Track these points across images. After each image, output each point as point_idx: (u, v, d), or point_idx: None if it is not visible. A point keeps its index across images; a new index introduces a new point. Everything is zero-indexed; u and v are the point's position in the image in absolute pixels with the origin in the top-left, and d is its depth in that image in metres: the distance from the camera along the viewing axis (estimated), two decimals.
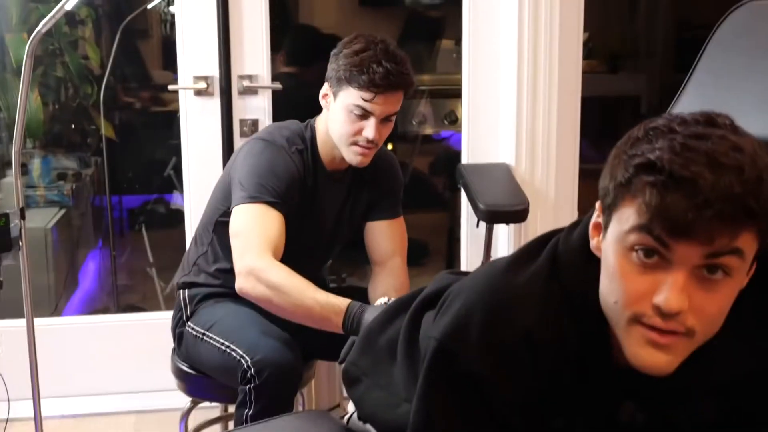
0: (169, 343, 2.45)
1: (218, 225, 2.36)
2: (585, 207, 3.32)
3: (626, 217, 1.10)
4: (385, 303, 2.16)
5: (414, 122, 4.47)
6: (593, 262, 1.19)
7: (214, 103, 3.08)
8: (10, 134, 2.37)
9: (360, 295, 2.45)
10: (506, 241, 3.21)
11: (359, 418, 1.63)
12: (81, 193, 3.97)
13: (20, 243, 2.38)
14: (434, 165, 4.73)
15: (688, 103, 1.75)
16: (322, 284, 2.57)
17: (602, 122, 5.64)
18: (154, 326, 3.19)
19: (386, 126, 2.27)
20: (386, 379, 1.50)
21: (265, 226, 2.19)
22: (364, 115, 2.22)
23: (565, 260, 1.21)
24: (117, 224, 4.39)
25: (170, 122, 3.76)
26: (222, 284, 2.37)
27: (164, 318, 2.56)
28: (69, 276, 3.89)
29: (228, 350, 2.18)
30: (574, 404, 1.22)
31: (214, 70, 3.06)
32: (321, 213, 2.38)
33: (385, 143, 2.37)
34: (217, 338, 2.24)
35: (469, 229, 3.23)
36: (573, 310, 1.20)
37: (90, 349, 3.28)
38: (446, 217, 4.44)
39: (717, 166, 1.04)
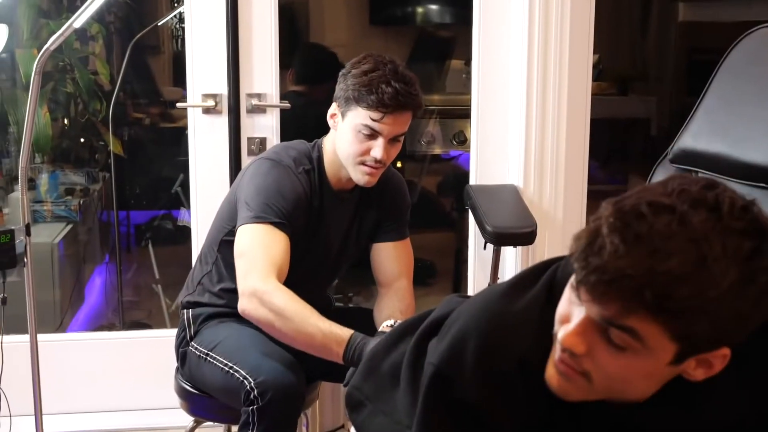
0: (174, 361, 2.44)
1: (223, 244, 2.35)
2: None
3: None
4: (389, 326, 2.15)
5: (422, 142, 4.47)
6: None
7: (223, 121, 3.08)
8: (19, 149, 2.37)
9: (365, 315, 2.44)
10: (514, 263, 3.20)
11: None
12: (88, 209, 3.97)
13: (25, 259, 2.37)
14: (442, 185, 4.73)
15: (698, 128, 1.75)
16: (328, 304, 2.57)
17: (611, 144, 5.64)
18: (159, 344, 3.17)
19: (394, 146, 2.27)
20: (389, 405, 1.49)
21: (270, 247, 2.18)
22: (373, 135, 2.21)
23: (562, 288, 1.20)
24: (124, 240, 4.39)
25: (178, 139, 3.77)
26: (226, 304, 2.36)
27: (169, 335, 2.55)
28: (75, 291, 3.89)
29: (231, 371, 2.17)
30: None
31: (222, 88, 3.06)
32: (327, 233, 2.37)
33: (393, 163, 2.36)
34: (220, 359, 2.23)
35: (477, 250, 3.22)
36: None
37: (94, 366, 3.26)
38: (454, 237, 4.43)
39: (637, 242, 1.03)
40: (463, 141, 4.30)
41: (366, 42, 4.82)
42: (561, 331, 1.13)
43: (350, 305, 3.85)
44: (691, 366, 1.12)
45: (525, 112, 3.10)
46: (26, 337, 2.45)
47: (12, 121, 3.53)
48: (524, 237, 2.89)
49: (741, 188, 1.61)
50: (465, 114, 3.35)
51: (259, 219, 2.19)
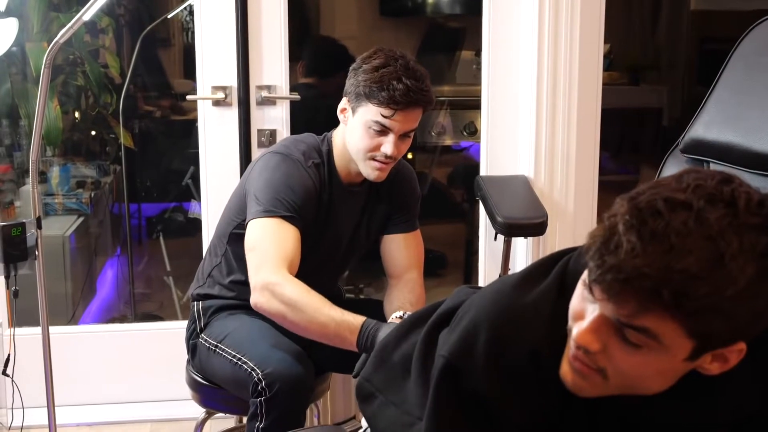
0: (185, 353, 2.45)
1: (232, 237, 2.35)
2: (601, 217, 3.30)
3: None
4: (399, 317, 2.15)
5: (433, 133, 4.47)
6: None
7: (233, 113, 3.08)
8: (30, 142, 2.37)
9: (376, 306, 2.44)
10: (524, 254, 3.19)
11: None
12: (99, 201, 3.98)
13: (36, 252, 2.38)
14: (453, 176, 4.72)
15: (709, 118, 1.73)
16: (338, 296, 2.57)
17: (623, 134, 5.62)
18: (171, 335, 3.18)
19: (404, 142, 2.26)
20: (400, 397, 1.48)
21: (280, 241, 2.18)
22: (383, 131, 2.21)
23: (574, 280, 1.19)
24: (135, 232, 4.40)
25: (189, 131, 3.77)
26: (236, 296, 2.36)
27: (180, 327, 2.56)
28: (87, 284, 3.90)
29: (239, 363, 2.18)
30: (582, 428, 1.21)
31: (232, 80, 3.06)
32: (337, 226, 2.37)
33: (404, 155, 2.35)
34: (229, 351, 2.24)
35: (488, 241, 3.22)
36: None
37: (106, 358, 3.28)
38: (464, 228, 4.42)
39: (653, 240, 1.02)
40: (474, 132, 4.29)
41: (376, 33, 4.80)
42: (575, 329, 1.13)
43: (361, 296, 3.86)
44: (706, 361, 1.11)
45: (535, 102, 3.09)
46: (38, 330, 2.46)
47: (23, 114, 3.54)
48: (535, 228, 2.89)
49: (753, 178, 1.61)
50: (475, 105, 3.34)
51: (269, 213, 2.19)
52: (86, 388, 3.25)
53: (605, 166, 5.05)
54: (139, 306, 4.03)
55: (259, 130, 3.10)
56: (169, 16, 3.97)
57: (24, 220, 2.38)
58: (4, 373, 2.49)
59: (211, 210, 3.11)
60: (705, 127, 1.73)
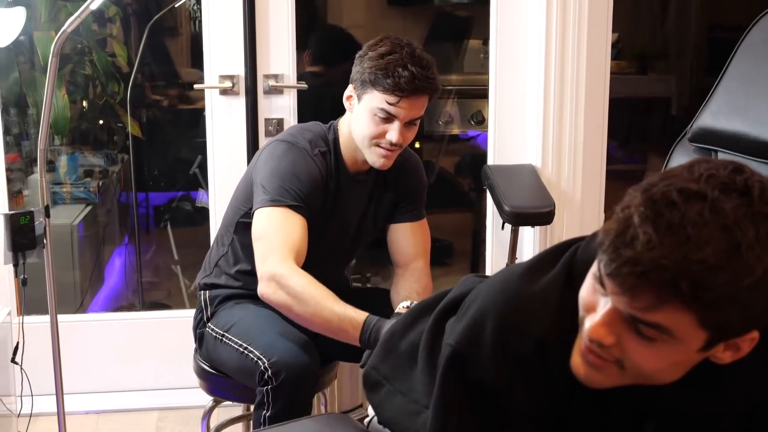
0: (193, 341, 2.46)
1: (239, 226, 2.35)
2: (612, 208, 3.29)
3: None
4: (406, 308, 2.15)
5: (440, 122, 4.46)
6: None
7: (240, 102, 3.08)
8: (38, 131, 2.38)
9: (383, 295, 2.45)
10: (532, 243, 3.19)
11: (379, 422, 1.62)
12: (107, 190, 3.99)
13: (45, 241, 2.39)
14: (460, 165, 4.71)
15: (717, 107, 1.73)
16: (345, 285, 2.57)
17: (631, 124, 5.60)
18: (178, 324, 3.19)
19: (410, 129, 2.26)
20: (407, 385, 1.48)
21: (287, 231, 2.18)
22: (388, 118, 2.21)
23: (582, 270, 1.19)
24: (143, 221, 4.40)
25: (196, 120, 3.77)
26: (242, 286, 2.37)
27: (188, 316, 2.56)
28: (95, 273, 3.91)
29: (246, 352, 2.18)
30: (591, 418, 1.20)
31: (239, 69, 3.06)
32: (344, 215, 2.37)
33: (411, 143, 2.35)
34: (236, 340, 2.24)
35: (495, 230, 3.21)
36: None
37: (114, 346, 3.29)
38: (472, 217, 4.42)
39: (670, 232, 1.01)
40: (481, 121, 4.28)
41: (383, 22, 4.79)
42: (587, 322, 1.12)
43: (368, 285, 3.86)
44: (719, 350, 1.11)
45: (543, 91, 3.09)
46: (47, 318, 2.47)
47: (31, 103, 3.54)
48: (542, 217, 2.89)
49: (761, 167, 1.61)
50: (483, 94, 3.33)
51: (275, 202, 2.19)
52: (94, 376, 3.26)
53: (613, 156, 5.03)
54: (146, 294, 4.04)
55: (266, 119, 3.10)
56: (176, 5, 3.96)
57: (32, 209, 2.38)
58: (13, 360, 2.50)
59: (218, 199, 3.12)
60: (713, 116, 1.73)
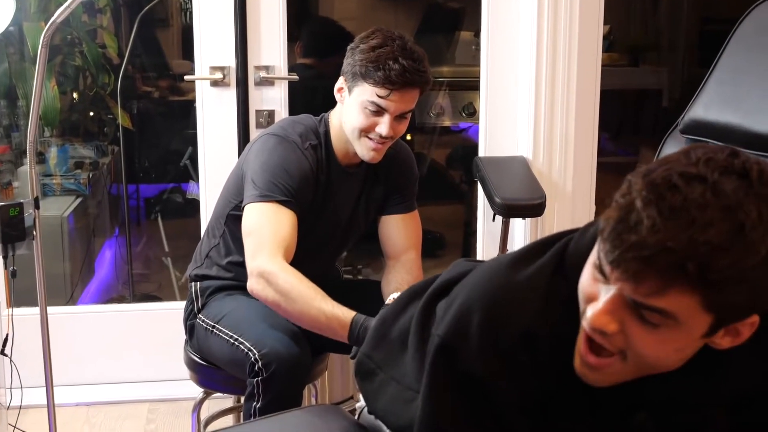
0: (183, 333, 2.45)
1: (230, 218, 2.35)
2: (603, 200, 3.31)
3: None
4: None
5: (432, 114, 4.45)
6: None
7: (231, 94, 3.07)
8: (27, 123, 2.37)
9: (374, 287, 2.45)
10: (523, 234, 3.19)
11: (370, 412, 1.62)
12: (98, 182, 3.97)
13: (34, 233, 2.38)
14: (452, 157, 4.71)
15: (709, 99, 1.73)
16: (336, 277, 2.57)
17: (622, 116, 5.61)
18: (169, 316, 3.18)
19: (401, 123, 2.25)
20: (400, 371, 1.48)
21: (276, 226, 2.18)
22: (379, 111, 2.20)
23: (574, 262, 1.18)
24: (134, 213, 4.39)
25: (187, 112, 3.76)
26: (233, 277, 2.37)
27: (178, 308, 2.56)
28: (85, 264, 3.90)
29: (236, 343, 2.18)
30: (581, 407, 1.20)
31: (230, 61, 3.05)
32: (335, 208, 2.36)
33: (403, 135, 2.35)
34: (226, 331, 2.24)
35: (486, 222, 3.21)
36: (578, 308, 1.17)
37: (104, 338, 3.28)
38: (463, 209, 4.42)
39: (674, 215, 1.01)
40: (473, 113, 4.27)
41: (375, 14, 4.79)
42: (589, 310, 1.11)
43: (359, 277, 3.86)
44: (719, 335, 1.11)
45: (534, 83, 3.08)
46: (36, 310, 2.46)
47: (20, 94, 3.52)
48: (533, 208, 2.89)
49: None
50: (474, 86, 3.33)
51: (265, 198, 2.19)
52: (85, 368, 3.26)
53: (604, 148, 5.04)
54: (137, 286, 4.03)
55: (257, 111, 3.09)
56: None
57: (22, 201, 2.37)
58: (2, 353, 2.49)
59: (209, 191, 3.11)
60: (705, 107, 1.73)
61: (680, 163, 1.05)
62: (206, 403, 2.53)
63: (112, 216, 4.24)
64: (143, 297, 3.95)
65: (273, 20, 3.05)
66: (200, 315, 2.36)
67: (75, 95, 3.98)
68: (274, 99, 3.10)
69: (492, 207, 2.89)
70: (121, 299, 3.95)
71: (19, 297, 2.80)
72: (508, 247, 3.06)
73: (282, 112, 3.08)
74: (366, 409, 1.61)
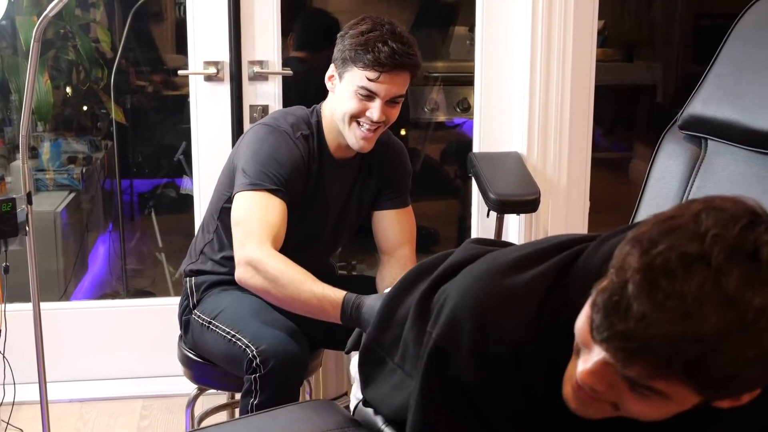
0: (178, 329, 2.44)
1: (224, 212, 2.34)
2: (597, 196, 3.30)
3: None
4: None
5: (426, 109, 4.44)
6: None
7: (225, 89, 3.06)
8: (20, 117, 2.35)
9: (369, 283, 2.44)
10: (517, 230, 3.18)
11: (364, 399, 1.60)
12: (91, 177, 3.96)
13: (27, 228, 2.37)
14: (446, 152, 4.71)
15: (708, 94, 1.73)
16: (331, 272, 2.56)
17: (617, 111, 5.61)
18: (163, 312, 3.18)
19: (392, 108, 2.24)
20: (404, 357, 1.45)
21: (266, 215, 2.17)
22: (370, 95, 2.20)
23: (581, 277, 1.12)
24: (127, 208, 4.38)
25: (181, 106, 3.74)
26: (228, 272, 2.35)
27: (173, 303, 2.55)
28: (78, 260, 3.89)
29: (234, 339, 2.17)
30: (570, 417, 1.16)
31: (224, 56, 3.03)
32: (326, 199, 2.35)
33: (397, 130, 2.34)
34: (223, 327, 2.23)
35: (480, 218, 3.21)
36: (571, 324, 1.11)
37: (98, 334, 3.27)
38: (457, 204, 4.41)
39: (667, 305, 0.94)
40: (467, 108, 4.26)
41: (369, 8, 4.77)
42: (579, 363, 1.06)
43: (353, 273, 3.85)
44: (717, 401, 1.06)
45: (529, 79, 3.08)
46: (29, 306, 2.44)
47: (13, 89, 3.51)
48: (527, 204, 2.88)
49: (750, 155, 1.61)
50: (469, 81, 3.31)
51: (254, 186, 2.19)
52: (78, 364, 3.24)
53: (599, 143, 5.04)
54: (131, 282, 4.01)
55: (251, 106, 3.08)
56: None
57: (14, 196, 2.36)
58: None
59: (202, 186, 3.10)
60: (703, 103, 1.72)
61: (685, 235, 0.97)
62: (200, 399, 2.52)
63: (105, 211, 4.23)
64: (137, 292, 3.94)
65: (267, 15, 3.03)
66: (196, 311, 2.35)
67: (68, 90, 3.96)
68: (268, 94, 3.08)
69: (486, 203, 2.89)
70: (114, 295, 3.93)
71: (12, 293, 2.79)
72: None
73: (276, 107, 3.07)
74: (361, 403, 1.60)
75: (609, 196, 4.09)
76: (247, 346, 2.12)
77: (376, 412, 1.53)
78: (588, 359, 1.04)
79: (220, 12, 3.00)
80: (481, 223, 3.22)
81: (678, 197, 1.69)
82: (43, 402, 2.50)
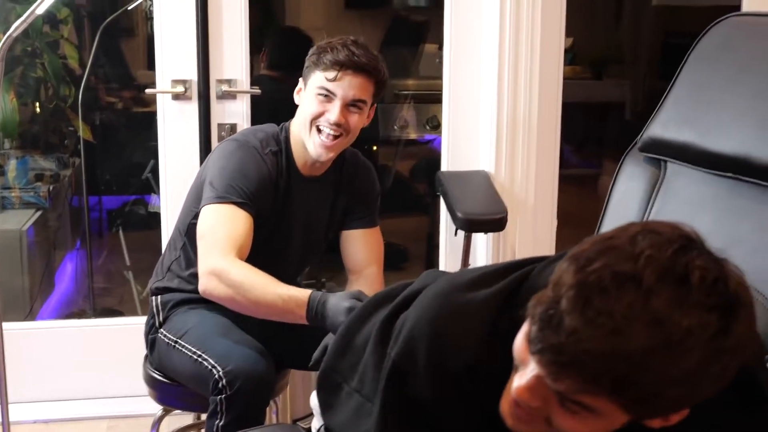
0: (144, 349, 2.42)
1: (191, 228, 2.33)
2: (566, 212, 3.32)
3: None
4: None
5: (396, 126, 4.45)
6: None
7: (192, 107, 3.05)
8: None
9: None
10: (485, 249, 3.19)
11: (326, 427, 1.60)
12: (59, 195, 3.93)
13: None
14: (416, 169, 4.72)
15: (667, 117, 1.74)
16: None
17: (586, 128, 5.65)
18: (129, 331, 3.15)
19: (352, 114, 2.24)
20: (363, 382, 1.46)
21: (231, 227, 2.17)
22: (328, 97, 2.21)
23: (527, 296, 1.12)
24: (96, 226, 4.35)
25: (150, 123, 3.73)
26: (195, 289, 2.33)
27: (140, 323, 2.53)
28: (45, 278, 3.85)
29: (200, 359, 2.16)
30: None
31: (192, 74, 3.03)
32: (293, 217, 2.35)
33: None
34: (190, 347, 2.21)
35: (448, 236, 3.21)
36: None
37: (64, 354, 3.24)
38: (427, 222, 4.42)
39: (597, 322, 0.96)
40: (437, 126, 4.28)
41: (341, 25, 4.80)
42: (516, 379, 1.08)
43: (323, 290, 3.84)
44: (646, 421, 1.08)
45: (496, 97, 3.09)
46: None
47: None
48: (494, 223, 2.89)
49: (708, 178, 1.62)
50: (439, 99, 3.33)
51: (221, 199, 2.19)
52: (43, 385, 3.21)
53: (568, 160, 5.07)
54: (98, 301, 3.98)
55: (219, 124, 3.07)
56: (129, 8, 3.91)
57: None
58: None
59: (170, 204, 3.08)
60: (663, 126, 1.73)
61: (621, 255, 0.99)
62: (166, 420, 2.50)
63: (73, 229, 4.19)
64: (104, 311, 3.90)
65: (235, 33, 3.03)
66: (162, 329, 2.34)
67: (36, 107, 3.94)
68: (236, 112, 3.08)
69: (454, 221, 2.90)
70: (81, 314, 3.89)
71: None
72: (471, 261, 3.06)
73: (244, 126, 3.06)
74: (323, 427, 1.59)
75: (578, 212, 4.11)
76: (214, 367, 2.11)
77: None
78: (524, 375, 1.06)
79: (188, 30, 3.00)
80: (449, 242, 3.22)
81: (638, 218, 1.70)
82: (5, 423, 2.48)
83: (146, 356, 2.43)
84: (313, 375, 2.07)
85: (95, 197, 4.25)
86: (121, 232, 4.20)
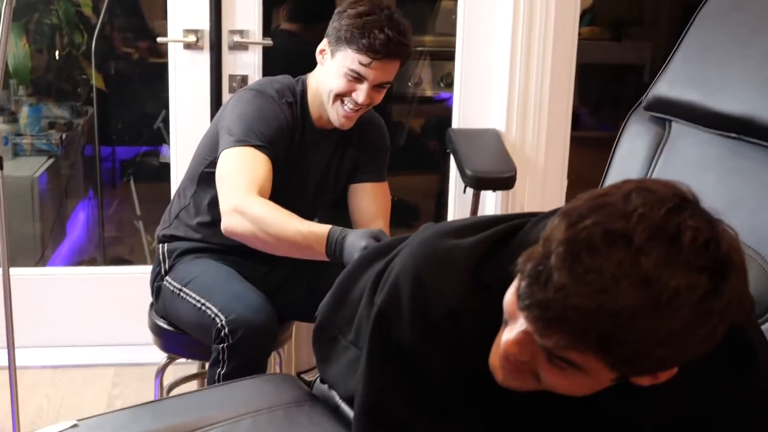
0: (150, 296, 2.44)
1: (203, 176, 2.34)
2: (578, 175, 3.30)
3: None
4: None
5: (410, 83, 4.43)
6: None
7: (204, 57, 3.04)
8: None
9: None
10: (493, 207, 3.18)
11: (321, 379, 1.61)
12: (72, 143, 3.93)
13: None
14: (429, 127, 4.69)
15: (673, 76, 1.73)
16: None
17: (603, 90, 5.60)
18: (138, 280, 3.16)
19: (378, 92, 2.26)
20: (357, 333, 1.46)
21: (251, 168, 2.17)
22: (359, 79, 2.21)
23: (517, 250, 1.11)
24: (109, 176, 4.35)
25: (163, 74, 3.72)
26: (202, 239, 2.36)
27: (149, 272, 2.54)
28: (56, 226, 3.87)
29: (203, 308, 2.17)
30: (512, 399, 1.18)
31: (204, 24, 3.01)
32: (306, 168, 2.36)
33: (383, 104, 2.36)
34: (194, 295, 2.23)
35: (457, 194, 3.21)
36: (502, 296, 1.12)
37: (73, 301, 3.27)
38: (438, 179, 4.41)
39: (585, 279, 0.96)
40: (451, 83, 4.24)
41: None
42: (505, 333, 1.09)
43: None
44: (634, 377, 1.08)
45: (510, 55, 3.06)
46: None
47: None
48: (503, 182, 2.88)
49: (712, 138, 1.61)
50: (454, 56, 3.30)
51: (241, 142, 2.19)
52: (52, 331, 3.24)
53: (584, 122, 5.04)
54: (109, 249, 4.01)
55: (230, 75, 3.06)
56: None
57: None
58: None
59: (180, 154, 3.08)
60: (669, 84, 1.72)
61: (613, 212, 0.98)
62: (172, 368, 2.52)
63: (85, 177, 4.20)
64: (115, 260, 3.93)
65: None
66: (167, 277, 2.35)
67: (50, 54, 3.93)
68: (248, 64, 3.07)
69: (463, 179, 2.89)
70: (92, 262, 3.93)
71: None
72: None
73: (255, 78, 3.05)
74: (318, 379, 1.61)
75: (591, 173, 4.10)
76: (217, 315, 2.13)
77: (331, 388, 1.55)
78: (512, 329, 1.07)
79: None
80: (458, 199, 3.21)
81: (640, 177, 1.69)
82: (12, 368, 2.50)
83: (151, 304, 2.44)
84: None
85: (108, 147, 4.25)
86: (132, 182, 4.21)
